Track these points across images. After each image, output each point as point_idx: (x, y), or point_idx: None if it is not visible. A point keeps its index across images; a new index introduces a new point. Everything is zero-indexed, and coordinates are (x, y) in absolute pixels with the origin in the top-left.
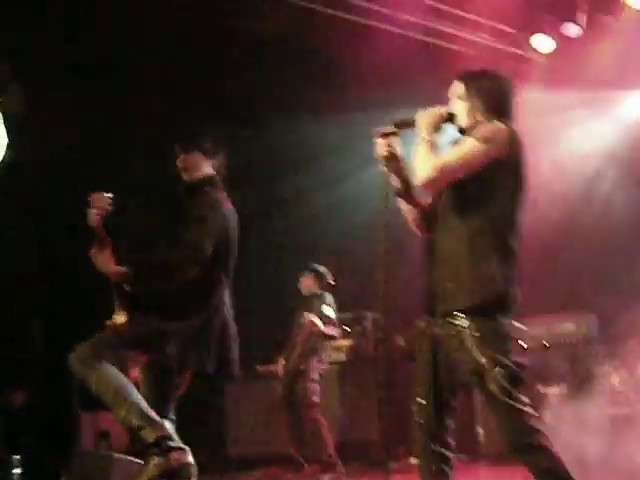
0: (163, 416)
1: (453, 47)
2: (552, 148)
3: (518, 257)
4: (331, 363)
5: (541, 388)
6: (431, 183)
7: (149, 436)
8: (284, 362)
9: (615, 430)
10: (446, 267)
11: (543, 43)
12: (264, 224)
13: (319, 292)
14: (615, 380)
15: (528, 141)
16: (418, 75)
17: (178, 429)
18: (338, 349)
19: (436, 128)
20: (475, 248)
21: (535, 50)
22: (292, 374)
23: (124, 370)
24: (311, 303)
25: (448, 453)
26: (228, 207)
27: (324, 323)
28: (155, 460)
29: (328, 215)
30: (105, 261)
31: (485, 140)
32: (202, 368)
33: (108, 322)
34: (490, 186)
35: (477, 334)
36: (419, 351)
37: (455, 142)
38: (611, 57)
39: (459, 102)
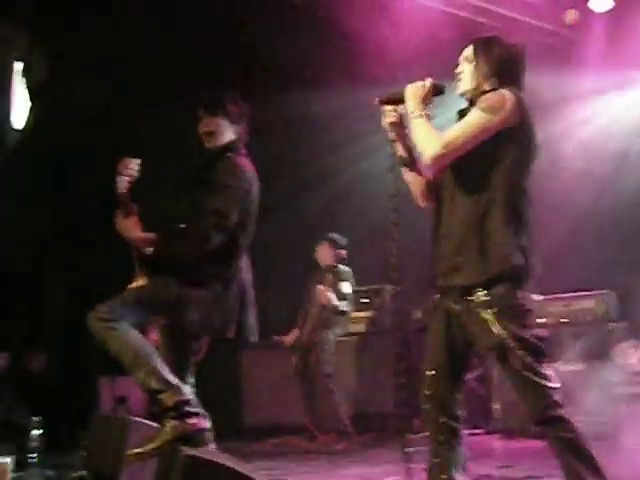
0: (182, 380)
1: (482, 20)
2: (578, 126)
3: (531, 225)
4: (350, 335)
5: (559, 365)
6: (439, 160)
7: (168, 400)
8: (298, 333)
9: (631, 409)
10: (454, 241)
11: (573, 17)
12: (282, 194)
13: (335, 264)
14: (633, 359)
15: (554, 118)
16: (444, 49)
17: (196, 396)
18: (357, 321)
19: (426, 101)
20: (485, 220)
21: (565, 25)
22: (305, 345)
23: (143, 332)
24: (327, 275)
25: (456, 425)
26: (250, 172)
27: (339, 298)
28: (172, 424)
29: (349, 185)
30: (131, 227)
31: (492, 110)
32: (222, 334)
33: (129, 287)
34: (498, 155)
35: (495, 308)
36: (432, 324)
37: (461, 113)
38: None
39: (466, 65)
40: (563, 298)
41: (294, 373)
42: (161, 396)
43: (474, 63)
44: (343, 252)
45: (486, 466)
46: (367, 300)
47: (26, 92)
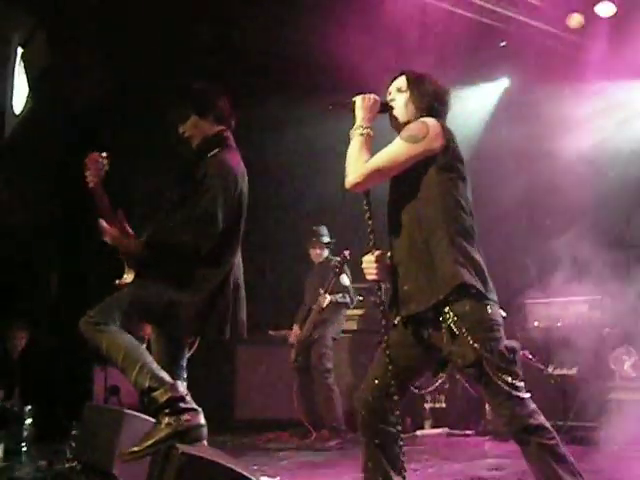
0: (175, 376)
1: (487, 21)
2: (580, 135)
3: (476, 236)
4: (344, 332)
5: (552, 369)
6: (358, 187)
7: (161, 397)
8: (298, 328)
9: (622, 415)
10: (402, 269)
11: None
12: (278, 191)
13: (332, 259)
14: (627, 365)
15: (557, 127)
16: (450, 49)
17: (189, 390)
18: (351, 318)
19: (373, 115)
20: (429, 244)
21: (570, 28)
22: (306, 341)
23: (135, 330)
24: (325, 270)
25: (392, 429)
26: (239, 168)
27: (339, 291)
28: (167, 420)
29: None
30: (120, 237)
31: (413, 139)
32: (217, 336)
33: (117, 281)
34: (431, 180)
35: (467, 325)
36: (387, 336)
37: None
38: None
39: (400, 95)
40: (558, 302)
41: (292, 368)
42: (155, 394)
43: (408, 94)
44: (330, 247)
45: (477, 468)
46: (361, 298)
47: (25, 77)
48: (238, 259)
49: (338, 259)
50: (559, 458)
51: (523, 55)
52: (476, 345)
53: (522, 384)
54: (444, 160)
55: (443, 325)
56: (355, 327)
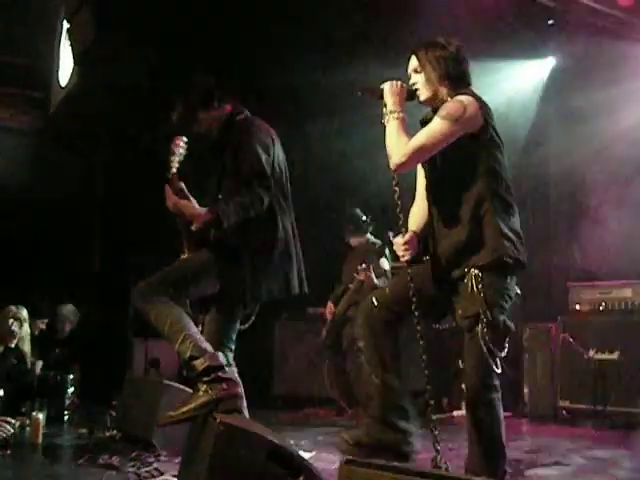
0: (223, 348)
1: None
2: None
3: (516, 210)
4: None
5: (593, 353)
6: (402, 168)
7: (200, 366)
8: (332, 306)
9: None
10: (453, 240)
11: None
12: (317, 165)
13: (374, 242)
14: None
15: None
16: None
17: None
18: None
19: (402, 101)
20: (476, 216)
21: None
22: (339, 320)
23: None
24: (365, 252)
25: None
26: (269, 132)
27: (377, 274)
28: (204, 388)
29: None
30: (189, 206)
31: (452, 118)
32: (286, 294)
33: (178, 259)
34: (472, 156)
35: (484, 286)
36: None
37: (424, 121)
38: None
39: (415, 75)
40: (601, 286)
41: (324, 346)
42: (195, 362)
43: (421, 71)
44: (367, 227)
45: (515, 450)
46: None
47: (71, 51)
48: (290, 221)
49: (380, 243)
50: (484, 436)
51: (571, 34)
52: (482, 304)
53: (502, 355)
54: (484, 137)
55: (465, 279)
56: None
